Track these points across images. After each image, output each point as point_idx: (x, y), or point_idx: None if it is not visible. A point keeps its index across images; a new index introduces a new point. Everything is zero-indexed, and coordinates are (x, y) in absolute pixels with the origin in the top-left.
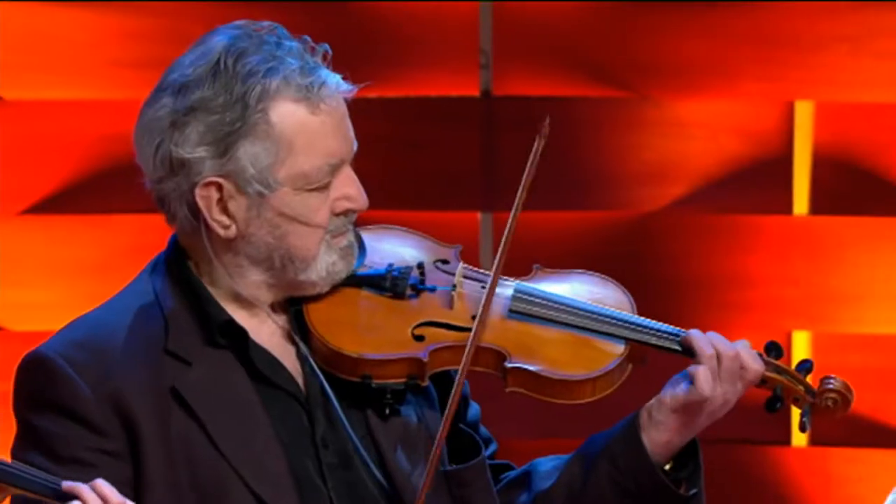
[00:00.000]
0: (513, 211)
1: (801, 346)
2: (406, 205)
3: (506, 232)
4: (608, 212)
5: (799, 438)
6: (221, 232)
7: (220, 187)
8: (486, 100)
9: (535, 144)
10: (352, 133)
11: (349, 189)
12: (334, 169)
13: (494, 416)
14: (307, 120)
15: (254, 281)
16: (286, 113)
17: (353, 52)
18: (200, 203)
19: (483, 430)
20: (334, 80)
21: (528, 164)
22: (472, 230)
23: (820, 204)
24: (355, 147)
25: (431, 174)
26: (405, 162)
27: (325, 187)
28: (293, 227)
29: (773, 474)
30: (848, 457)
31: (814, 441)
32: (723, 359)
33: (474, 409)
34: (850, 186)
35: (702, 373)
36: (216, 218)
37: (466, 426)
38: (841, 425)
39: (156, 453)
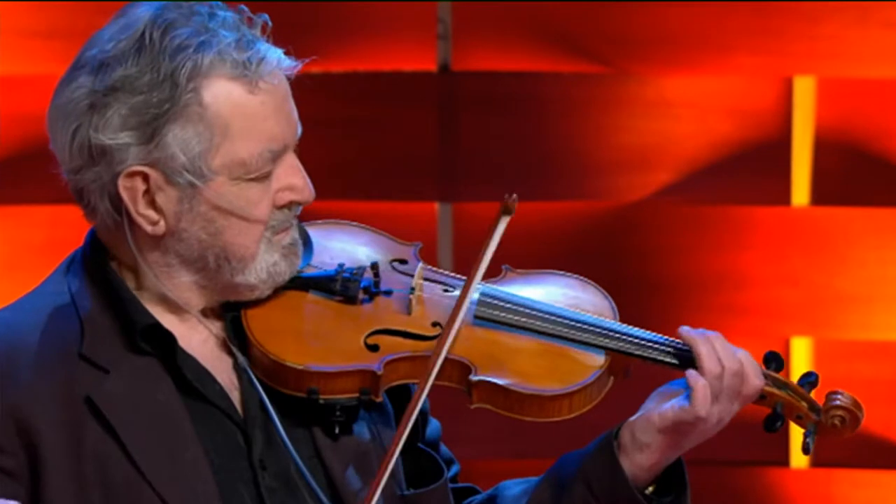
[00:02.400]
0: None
1: (801, 355)
2: (354, 195)
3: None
4: (582, 202)
5: (799, 459)
6: (148, 228)
7: (146, 177)
8: (445, 75)
9: (496, 221)
10: (295, 115)
11: (293, 179)
12: (276, 156)
13: (457, 434)
14: (245, 100)
15: (184, 283)
16: (221, 93)
17: (295, 22)
18: (124, 195)
19: (444, 449)
20: (275, 55)
21: (486, 244)
22: (429, 223)
23: (822, 193)
24: (300, 131)
25: (383, 160)
26: (353, 146)
27: (265, 177)
28: (229, 221)
29: (770, 499)
30: (853, 479)
31: (815, 462)
32: (725, 374)
33: (434, 426)
34: (856, 173)
35: (701, 390)
36: (142, 212)
37: (426, 445)
38: (846, 444)
39: (62, 472)
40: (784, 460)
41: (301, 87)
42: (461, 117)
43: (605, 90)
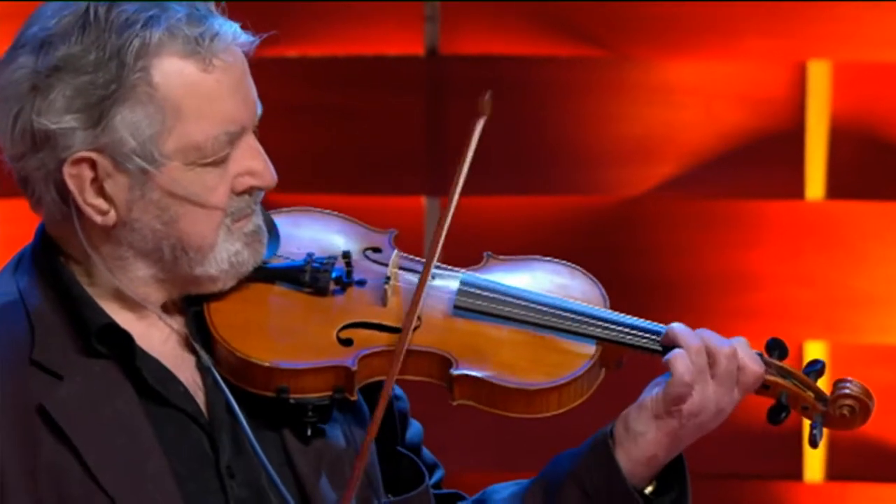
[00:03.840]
0: (450, 202)
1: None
2: (335, 188)
3: (447, 216)
4: (580, 196)
5: (813, 472)
6: (98, 218)
7: (93, 164)
8: (433, 59)
9: (474, 126)
10: (254, 94)
11: (252, 162)
12: (233, 138)
13: (437, 443)
14: (198, 79)
15: (140, 277)
16: (172, 71)
17: (270, 2)
18: (70, 184)
19: (427, 453)
20: (230, 29)
21: (465, 153)
22: (416, 218)
23: (838, 186)
24: (259, 111)
25: (366, 151)
26: (333, 137)
27: (222, 161)
28: (185, 209)
29: None
30: (870, 493)
31: (830, 476)
32: (717, 357)
33: (415, 428)
34: (874, 164)
35: (680, 359)
36: (90, 201)
37: (406, 449)
38: (862, 456)
39: (16, 489)
40: (797, 474)
41: (275, 71)
42: (450, 105)
43: (604, 75)
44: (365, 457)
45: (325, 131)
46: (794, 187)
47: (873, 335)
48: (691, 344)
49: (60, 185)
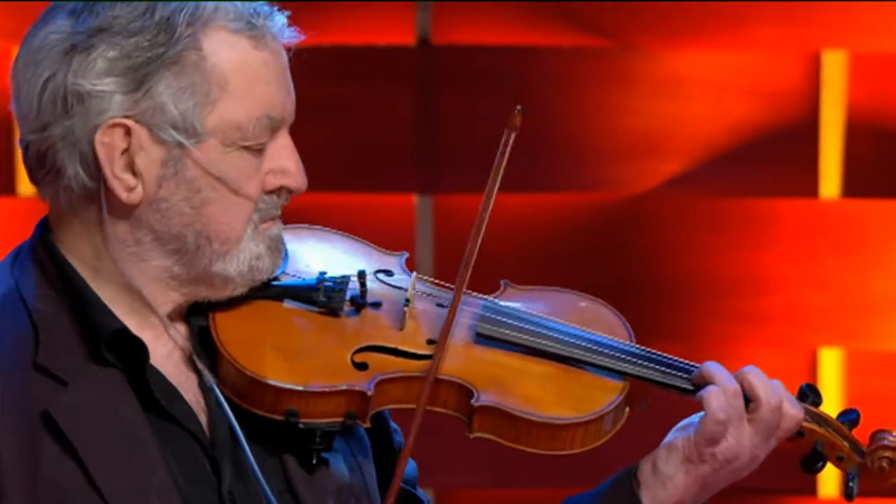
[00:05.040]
0: (481, 225)
1: (830, 368)
2: (322, 185)
3: (473, 238)
4: (583, 194)
5: (828, 488)
6: (123, 195)
7: (128, 132)
8: (424, 49)
9: (504, 140)
10: (293, 91)
11: (286, 161)
12: (275, 125)
13: (431, 459)
14: (248, 56)
15: (153, 268)
16: (223, 43)
17: None
18: (100, 152)
19: (420, 493)
20: (281, 17)
21: (496, 168)
22: (407, 217)
23: (854, 184)
24: (295, 111)
25: (354, 146)
26: (320, 131)
27: (259, 150)
28: (217, 193)
29: None
30: None
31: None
32: (762, 405)
33: (410, 465)
34: (892, 161)
35: (712, 395)
36: (119, 174)
37: (404, 483)
38: None
39: (17, 496)
40: (811, 490)
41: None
42: (443, 97)
43: (608, 66)
44: (395, 494)
45: (310, 125)
46: (808, 185)
47: (891, 342)
48: (728, 386)
49: (87, 156)
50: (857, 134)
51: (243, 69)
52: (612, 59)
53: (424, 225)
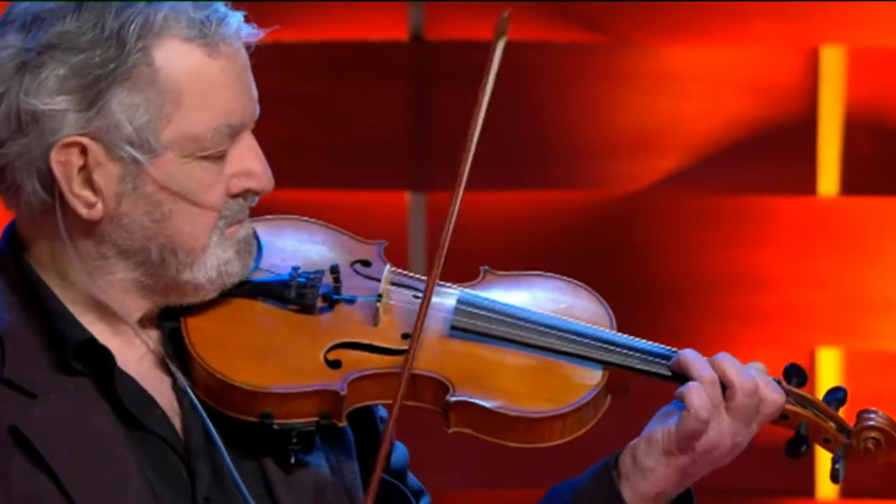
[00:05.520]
0: (463, 166)
1: (828, 368)
2: (313, 183)
3: (451, 208)
4: (578, 191)
5: (826, 488)
6: (83, 211)
7: (83, 150)
8: (417, 45)
9: (493, 47)
10: (255, 91)
11: (250, 163)
12: (234, 132)
13: (423, 459)
14: (202, 65)
15: (119, 280)
16: (175, 54)
17: None
18: (56, 171)
19: (412, 479)
20: (235, 18)
21: (484, 84)
22: (399, 215)
23: (853, 181)
24: (258, 111)
25: (346, 143)
26: (311, 127)
27: (219, 157)
28: (178, 206)
29: None
30: None
31: (844, 492)
32: (735, 391)
33: (400, 452)
34: (891, 158)
35: (694, 392)
36: (77, 192)
37: (391, 475)
38: (878, 471)
39: None
40: (809, 489)
41: (251, 59)
42: (436, 93)
43: (603, 62)
44: (373, 494)
45: (301, 122)
46: (806, 182)
47: (890, 341)
48: (704, 375)
49: (45, 174)
50: (856, 130)
51: (198, 80)
52: (606, 55)
53: (417, 222)
